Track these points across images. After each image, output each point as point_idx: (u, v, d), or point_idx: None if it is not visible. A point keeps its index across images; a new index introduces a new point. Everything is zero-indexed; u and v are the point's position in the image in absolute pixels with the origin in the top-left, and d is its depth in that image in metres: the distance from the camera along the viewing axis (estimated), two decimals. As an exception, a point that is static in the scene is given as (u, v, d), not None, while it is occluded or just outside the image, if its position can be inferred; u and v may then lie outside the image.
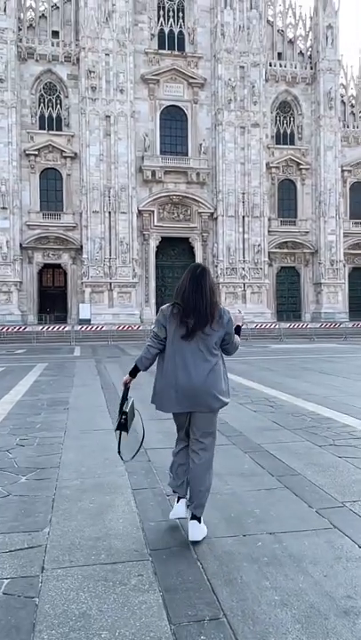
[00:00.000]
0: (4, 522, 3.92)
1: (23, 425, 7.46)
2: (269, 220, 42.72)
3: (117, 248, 38.86)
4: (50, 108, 40.28)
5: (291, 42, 44.94)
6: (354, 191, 46.33)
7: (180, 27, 41.58)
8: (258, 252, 41.43)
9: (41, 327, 32.32)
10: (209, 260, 41.63)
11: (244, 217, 41.14)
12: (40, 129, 39.88)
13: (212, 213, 41.40)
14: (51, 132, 39.98)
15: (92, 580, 3.05)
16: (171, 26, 41.41)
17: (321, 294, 43.68)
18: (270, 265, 43.03)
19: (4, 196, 37.70)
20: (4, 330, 30.92)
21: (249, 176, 41.02)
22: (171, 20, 41.40)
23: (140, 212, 39.94)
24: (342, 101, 45.69)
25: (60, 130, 40.32)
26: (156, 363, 3.81)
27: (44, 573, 3.14)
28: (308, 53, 44.73)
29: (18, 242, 38.47)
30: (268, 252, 42.38)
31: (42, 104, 40.18)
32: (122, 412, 3.78)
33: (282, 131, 44.49)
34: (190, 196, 41.14)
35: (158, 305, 41.02)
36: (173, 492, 3.98)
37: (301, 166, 44.12)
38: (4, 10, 38.05)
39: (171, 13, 41.47)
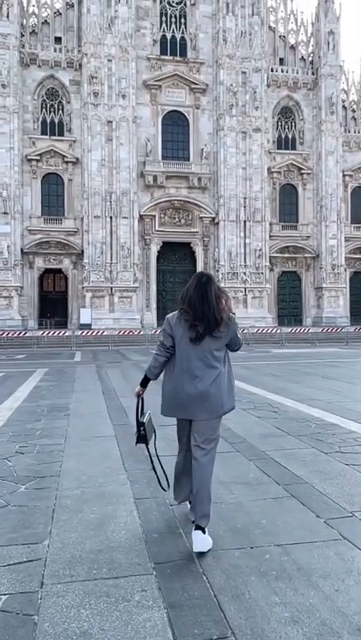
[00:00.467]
0: (3, 533, 3.79)
1: (23, 432, 7.34)
2: (271, 224, 42.67)
3: (118, 253, 38.81)
4: (52, 114, 40.35)
5: (292, 47, 45.05)
6: (355, 196, 46.29)
7: (183, 33, 41.70)
8: (259, 256, 41.36)
9: (41, 332, 32.18)
10: (210, 265, 41.57)
11: (245, 222, 41.09)
12: (42, 134, 39.93)
13: (213, 218, 41.36)
14: (53, 137, 40.03)
15: (94, 596, 2.92)
16: (173, 32, 41.53)
17: (322, 299, 43.58)
18: (272, 269, 42.95)
19: (6, 201, 37.69)
20: (5, 335, 30.81)
21: (250, 181, 41.01)
22: (173, 25, 41.52)
23: (141, 217, 39.91)
24: (343, 106, 45.74)
25: (62, 135, 40.37)
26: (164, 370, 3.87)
27: (43, 589, 3.01)
28: (310, 59, 44.83)
29: (19, 247, 38.43)
30: (270, 257, 42.30)
31: (44, 109, 40.25)
32: (139, 424, 3.87)
33: (283, 136, 44.53)
34: (192, 200, 41.11)
35: (159, 310, 40.95)
36: (180, 502, 4.07)
37: (303, 171, 44.12)
38: (7, 16, 38.18)
39: (173, 19, 41.60)
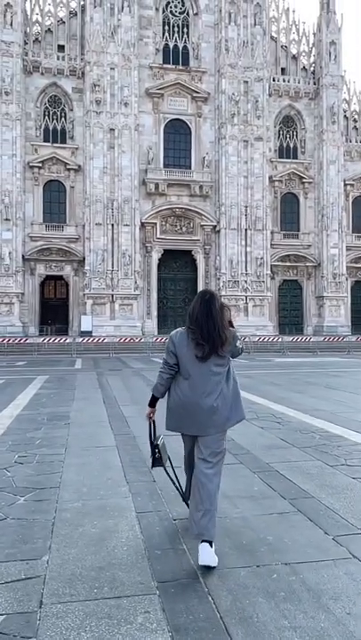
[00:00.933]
0: (1, 549, 3.67)
1: (23, 441, 7.22)
2: (272, 233, 42.66)
3: (120, 260, 38.77)
4: (54, 121, 40.47)
5: (294, 57, 45.28)
6: (356, 205, 46.33)
7: (185, 42, 41.93)
8: (260, 265, 41.32)
9: (42, 339, 32.07)
10: (211, 273, 41.53)
11: (246, 230, 41.09)
12: (44, 141, 40.02)
13: (214, 226, 41.36)
14: (55, 144, 40.12)
15: (95, 618, 2.79)
16: (175, 41, 41.76)
17: (323, 307, 43.48)
18: (273, 278, 42.88)
19: (8, 208, 37.71)
20: (5, 341, 30.70)
21: (252, 189, 41.07)
22: (175, 35, 41.76)
23: (142, 225, 39.92)
24: (345, 116, 45.89)
25: (65, 142, 40.47)
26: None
27: (42, 609, 2.89)
28: (312, 69, 45.05)
29: (20, 253, 38.40)
30: (271, 265, 42.25)
31: (46, 117, 40.39)
32: (154, 446, 3.95)
33: (285, 145, 44.64)
34: (193, 208, 41.14)
35: (160, 317, 40.86)
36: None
37: (304, 180, 44.19)
38: (11, 24, 38.41)
39: (175, 29, 41.84)
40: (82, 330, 36.53)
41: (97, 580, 3.22)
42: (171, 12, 41.84)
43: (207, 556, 3.38)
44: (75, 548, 3.69)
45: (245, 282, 40.88)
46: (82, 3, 40.77)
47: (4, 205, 37.61)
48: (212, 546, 3.43)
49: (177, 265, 42.18)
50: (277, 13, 45.22)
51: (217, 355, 3.65)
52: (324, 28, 43.80)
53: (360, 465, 5.88)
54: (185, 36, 41.88)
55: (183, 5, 42.03)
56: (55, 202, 40.36)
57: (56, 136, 40.38)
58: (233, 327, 3.82)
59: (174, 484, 4.10)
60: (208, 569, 3.35)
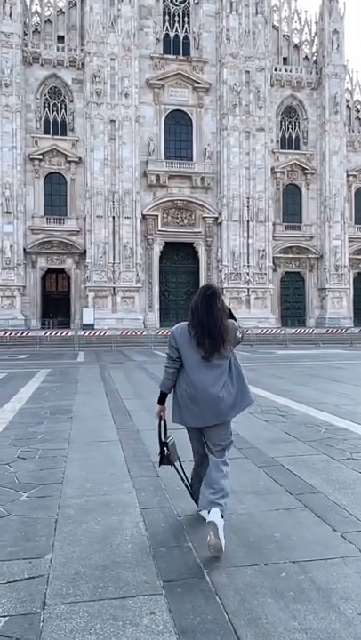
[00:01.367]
0: (3, 547, 3.60)
1: (25, 435, 7.15)
2: (274, 224, 42.43)
3: (121, 253, 38.62)
4: (54, 113, 40.17)
5: (296, 47, 44.79)
6: (359, 196, 46.00)
7: (186, 31, 41.49)
8: (262, 256, 41.13)
9: (44, 332, 32.01)
10: (213, 265, 41.36)
11: (248, 222, 40.87)
12: (45, 133, 39.75)
13: (216, 218, 41.14)
14: (55, 136, 39.85)
15: (100, 620, 2.72)
16: (176, 30, 41.32)
17: (326, 300, 43.32)
18: (275, 270, 42.69)
19: (8, 201, 37.53)
20: (7, 334, 30.65)
21: (254, 181, 40.78)
22: (176, 24, 41.31)
23: (144, 217, 39.72)
24: (348, 106, 45.45)
25: (65, 134, 40.19)
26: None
27: (45, 610, 2.82)
28: (314, 58, 44.57)
29: (21, 246, 38.28)
30: (273, 257, 42.05)
31: (46, 108, 40.08)
32: (162, 444, 3.94)
33: (287, 135, 44.26)
34: (194, 200, 40.91)
35: (162, 310, 40.76)
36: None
37: (306, 171, 43.86)
38: (10, 15, 38.03)
39: (176, 18, 41.39)
40: (84, 323, 36.46)
41: (101, 579, 3.15)
42: (171, 1, 41.39)
43: (215, 516, 3.48)
44: (78, 545, 3.62)
45: (247, 274, 40.72)
46: (81, -8, 40.34)
47: (4, 198, 37.43)
48: (223, 517, 3.52)
49: (178, 257, 42.02)
50: (279, 2, 44.70)
51: (219, 353, 3.66)
52: (326, 17, 43.28)
53: (367, 459, 5.79)
54: (186, 25, 41.44)
55: (184, -6, 41.57)
56: (56, 194, 40.16)
57: (56, 128, 40.10)
58: (234, 318, 3.83)
59: (184, 482, 4.08)
60: (215, 565, 3.29)
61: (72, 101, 40.12)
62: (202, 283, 37.19)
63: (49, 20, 40.64)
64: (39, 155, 39.24)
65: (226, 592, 2.99)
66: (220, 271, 40.44)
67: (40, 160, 39.39)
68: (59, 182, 40.20)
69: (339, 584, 3.09)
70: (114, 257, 38.47)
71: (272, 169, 42.20)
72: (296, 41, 44.81)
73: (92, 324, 35.75)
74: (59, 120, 40.20)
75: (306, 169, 43.80)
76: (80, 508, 4.34)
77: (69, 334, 31.11)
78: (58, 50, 39.85)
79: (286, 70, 43.66)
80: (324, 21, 43.34)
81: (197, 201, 40.88)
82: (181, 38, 41.40)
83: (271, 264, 41.62)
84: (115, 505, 4.41)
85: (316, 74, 43.89)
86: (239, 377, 3.82)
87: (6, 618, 2.74)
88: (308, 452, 6.10)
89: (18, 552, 3.52)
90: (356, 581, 3.13)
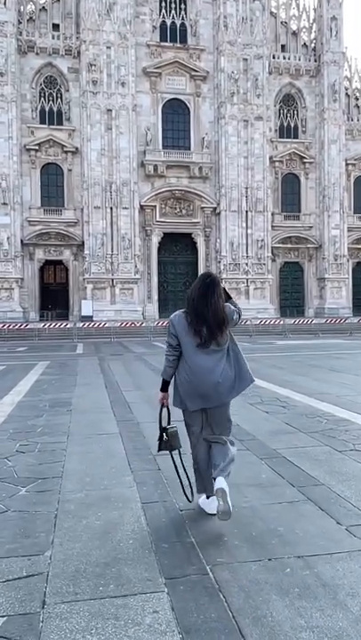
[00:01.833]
0: (1, 544, 3.52)
1: (24, 429, 7.08)
2: (273, 214, 42.20)
3: (119, 244, 38.41)
4: (50, 102, 39.73)
5: (294, 34, 44.26)
6: (358, 185, 45.73)
7: (183, 19, 40.95)
8: (261, 247, 40.96)
9: (43, 324, 31.90)
10: (212, 256, 41.18)
11: (247, 212, 40.63)
12: (41, 123, 39.35)
13: (214, 208, 40.89)
14: (51, 126, 39.45)
15: (101, 619, 2.65)
16: (173, 18, 40.79)
17: (325, 289, 43.22)
18: (274, 260, 42.53)
19: (5, 192, 37.25)
20: (6, 327, 30.54)
21: (252, 170, 40.49)
22: (173, 11, 40.77)
23: (142, 208, 39.46)
24: (346, 94, 45.01)
25: (61, 124, 39.79)
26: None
27: (45, 609, 2.75)
28: (312, 45, 44.07)
29: (19, 238, 38.05)
30: (272, 248, 41.88)
31: (42, 98, 39.64)
32: (162, 430, 3.95)
33: (285, 124, 43.88)
34: (193, 190, 40.63)
35: (161, 301, 40.63)
36: (200, 492, 4.09)
37: (305, 160, 43.55)
38: (4, 3, 37.46)
39: (173, 5, 40.82)
40: (82, 315, 36.34)
41: (102, 576, 3.08)
42: (168, -13, 40.80)
43: (222, 482, 3.63)
44: (78, 542, 3.55)
45: (246, 264, 40.56)
46: (76, -21, 39.73)
47: (1, 189, 37.16)
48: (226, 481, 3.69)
49: (177, 248, 41.82)
50: (277, -12, 44.11)
51: (216, 340, 3.74)
52: (324, 3, 42.76)
53: (370, 450, 5.73)
54: (182, 12, 40.90)
55: (180, -20, 40.98)
56: (53, 185, 39.84)
57: (52, 117, 39.69)
58: (230, 297, 3.87)
59: (177, 472, 4.03)
60: (218, 561, 3.22)
61: (68, 90, 39.68)
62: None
63: (44, 7, 40.07)
64: (35, 145, 38.88)
65: (230, 589, 2.93)
66: (219, 262, 40.27)
67: (36, 150, 39.04)
68: (55, 173, 39.87)
69: (345, 579, 3.03)
70: (112, 248, 38.27)
71: (270, 158, 41.89)
72: (294, 28, 44.30)
73: (91, 316, 35.64)
74: (55, 110, 39.78)
75: (305, 158, 43.49)
76: (80, 503, 4.27)
77: (68, 326, 30.99)
78: (53, 38, 39.34)
79: (285, 58, 43.19)
80: (323, 8, 42.82)
81: (196, 191, 40.61)
82: (178, 25, 40.89)
83: (270, 254, 41.45)
84: (115, 499, 4.34)
85: (315, 61, 43.43)
86: (237, 360, 3.88)
87: (5, 618, 2.67)
88: (311, 444, 6.03)
89: (17, 549, 3.45)
90: (363, 577, 3.06)
